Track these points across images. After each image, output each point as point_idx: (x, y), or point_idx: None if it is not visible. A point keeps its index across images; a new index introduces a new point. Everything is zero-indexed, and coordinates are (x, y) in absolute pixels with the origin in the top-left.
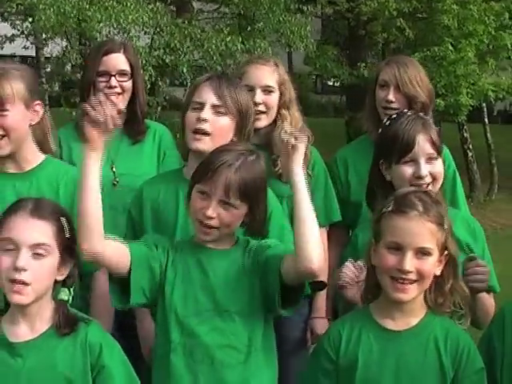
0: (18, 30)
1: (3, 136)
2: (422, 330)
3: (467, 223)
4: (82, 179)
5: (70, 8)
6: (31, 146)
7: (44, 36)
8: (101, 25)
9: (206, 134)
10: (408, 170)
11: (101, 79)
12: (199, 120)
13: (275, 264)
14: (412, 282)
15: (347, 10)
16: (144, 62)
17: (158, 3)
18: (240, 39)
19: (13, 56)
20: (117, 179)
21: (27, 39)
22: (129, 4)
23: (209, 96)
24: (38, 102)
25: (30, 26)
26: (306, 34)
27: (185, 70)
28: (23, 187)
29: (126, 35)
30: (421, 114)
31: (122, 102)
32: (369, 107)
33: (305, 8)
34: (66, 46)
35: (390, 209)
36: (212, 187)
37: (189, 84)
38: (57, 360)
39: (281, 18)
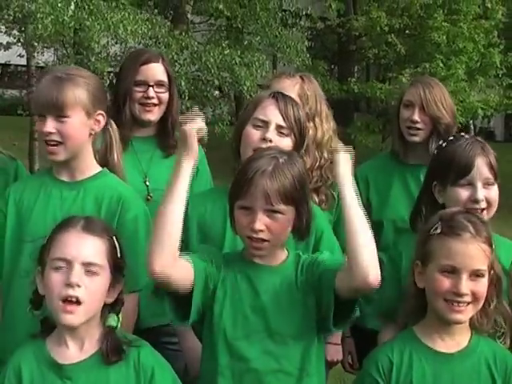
0: (14, 38)
1: (60, 143)
2: (472, 351)
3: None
4: (172, 187)
5: (69, 18)
6: (88, 157)
7: (40, 45)
8: (100, 35)
9: None
10: (464, 192)
11: (138, 89)
12: (264, 140)
13: (329, 280)
14: (467, 304)
15: (338, 25)
16: None
17: (155, 15)
18: (238, 52)
19: (7, 64)
20: (151, 194)
21: (23, 47)
22: (127, 15)
23: (275, 115)
24: (100, 111)
25: (24, 34)
26: (302, 48)
27: (183, 83)
28: (69, 197)
29: (123, 46)
30: (478, 137)
31: (157, 114)
32: (394, 127)
33: (301, 23)
34: (63, 55)
35: (439, 231)
36: (252, 199)
37: (186, 97)
38: (109, 382)
39: (277, 33)
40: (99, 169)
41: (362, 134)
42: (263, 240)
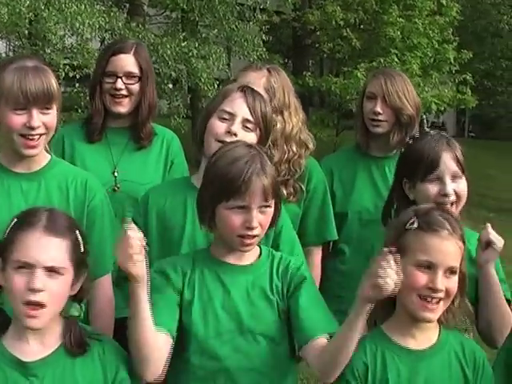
0: None
1: (42, 135)
2: (442, 346)
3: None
4: (135, 315)
5: (25, 9)
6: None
7: None
8: (56, 26)
9: None
10: (434, 187)
11: (107, 80)
12: (229, 133)
13: (301, 333)
14: (438, 300)
15: (293, 19)
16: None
17: (112, 7)
18: (196, 45)
19: None
20: (118, 185)
21: None
22: (84, 7)
23: (242, 109)
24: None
25: None
26: (259, 42)
27: None
28: (31, 189)
29: (79, 37)
30: (444, 133)
31: (128, 106)
32: (358, 119)
33: (259, 17)
34: (18, 46)
35: (415, 225)
36: (251, 198)
37: None
38: (77, 377)
39: (233, 26)
40: (49, 156)
41: (317, 128)
42: (254, 236)
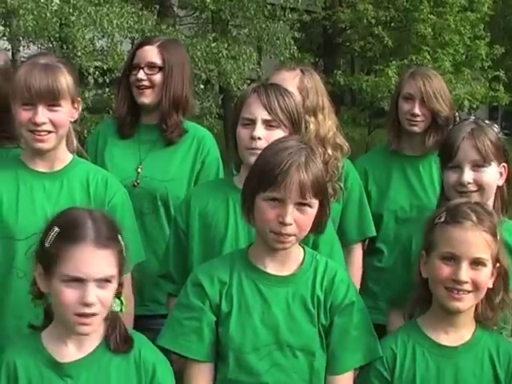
0: (0, 33)
1: (50, 131)
2: (476, 344)
3: None
4: None
5: (51, 14)
6: (64, 145)
7: (25, 39)
8: (85, 30)
9: (258, 149)
10: (453, 175)
11: (133, 72)
12: (253, 138)
13: (329, 363)
14: (467, 292)
15: (324, 17)
16: None
17: (142, 9)
18: (225, 45)
19: None
20: (138, 181)
21: (9, 42)
22: (112, 9)
23: (259, 111)
24: (78, 98)
25: (9, 29)
26: (290, 41)
27: None
28: (54, 188)
29: (109, 40)
30: (479, 120)
31: (151, 97)
32: (391, 118)
33: (290, 16)
34: (49, 49)
35: (442, 219)
36: (286, 192)
37: None
38: (110, 379)
39: (264, 25)
40: (71, 156)
41: (349, 126)
42: (289, 235)
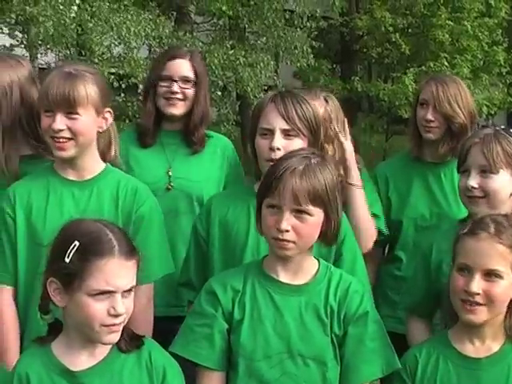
0: (18, 41)
1: (70, 139)
2: (502, 357)
3: None
4: None
5: (70, 20)
6: (94, 154)
7: (43, 46)
8: (102, 37)
9: None
10: (462, 180)
11: (163, 83)
12: (272, 149)
13: (344, 375)
14: (479, 305)
15: (341, 24)
16: (144, 74)
17: (159, 15)
18: (243, 53)
19: None
20: (171, 183)
21: (26, 49)
22: (130, 16)
23: (277, 121)
24: (108, 108)
25: (27, 36)
26: (308, 49)
27: None
28: (83, 197)
29: (126, 46)
30: (499, 128)
31: (181, 109)
32: (411, 125)
33: (306, 23)
34: (66, 56)
35: (465, 231)
36: (281, 197)
37: None
38: None
39: (282, 33)
40: (103, 165)
41: (366, 133)
42: (288, 241)
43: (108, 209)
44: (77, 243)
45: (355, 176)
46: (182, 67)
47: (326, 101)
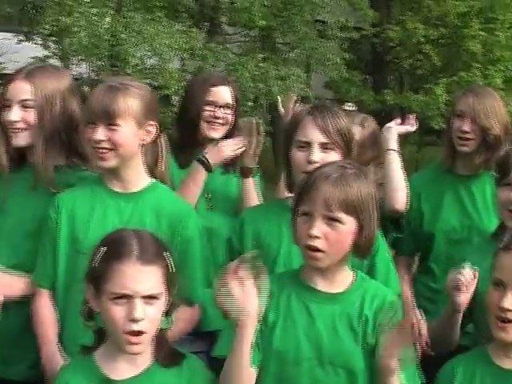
0: (52, 52)
1: (110, 150)
2: None
3: None
4: (237, 354)
5: (103, 31)
6: (138, 168)
7: (76, 57)
8: (135, 48)
9: None
10: (503, 193)
11: (208, 108)
12: (310, 162)
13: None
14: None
15: (374, 35)
16: (177, 86)
17: (191, 27)
18: (274, 66)
19: None
20: (212, 205)
21: (60, 60)
22: (162, 28)
23: (315, 135)
24: (152, 122)
25: (61, 47)
26: (340, 61)
27: None
28: (126, 209)
29: (159, 58)
30: None
31: (221, 132)
32: (445, 137)
33: (339, 34)
34: (99, 67)
35: (501, 245)
36: (312, 204)
37: None
38: None
39: (314, 45)
40: (149, 180)
41: (399, 145)
42: (318, 250)
43: (150, 223)
44: (103, 248)
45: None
46: (225, 94)
47: (363, 126)
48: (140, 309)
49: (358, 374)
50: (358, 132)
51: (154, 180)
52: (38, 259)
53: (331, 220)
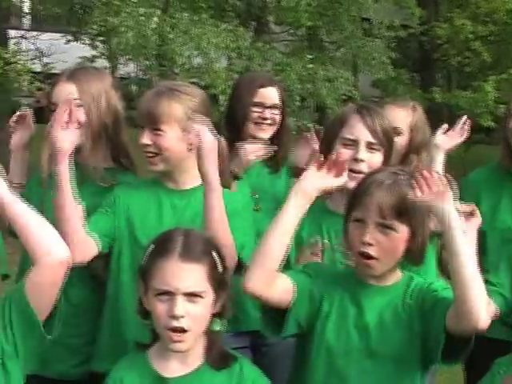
0: (100, 52)
1: (156, 154)
2: None
3: None
4: (281, 221)
5: (151, 31)
6: (191, 170)
7: (124, 57)
8: (182, 48)
9: (361, 173)
10: None
11: (255, 109)
12: (356, 160)
13: (441, 312)
14: None
15: (421, 32)
16: (223, 85)
17: (237, 26)
18: (322, 67)
19: None
20: (259, 205)
21: (109, 61)
22: (209, 27)
23: (363, 133)
24: None
25: (108, 47)
26: (387, 60)
27: None
28: (180, 205)
29: (205, 57)
30: None
31: (269, 133)
32: (502, 136)
33: (385, 33)
34: (147, 67)
35: None
36: (365, 210)
37: None
38: None
39: (360, 44)
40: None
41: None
42: (371, 257)
43: (203, 221)
44: (152, 246)
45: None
46: (272, 95)
47: (414, 111)
48: (181, 306)
49: (406, 363)
50: (410, 116)
51: None
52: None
53: (384, 227)
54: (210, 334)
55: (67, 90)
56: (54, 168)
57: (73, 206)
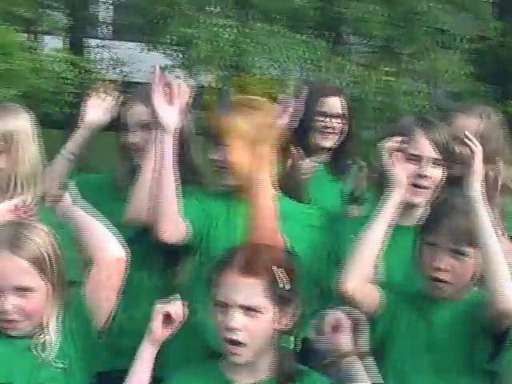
0: (176, 62)
1: (225, 168)
2: None
3: None
4: (378, 218)
5: (225, 42)
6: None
7: (201, 67)
8: (258, 59)
9: (426, 189)
10: None
11: (320, 118)
12: (421, 176)
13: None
14: None
15: (501, 44)
16: None
17: (313, 37)
18: (400, 78)
19: None
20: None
21: (186, 70)
22: (284, 39)
23: (427, 149)
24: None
25: (185, 57)
26: (465, 72)
27: None
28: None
29: (281, 69)
30: None
31: (333, 141)
32: None
33: (463, 46)
34: (223, 77)
35: None
36: (440, 236)
37: None
38: None
39: (435, 56)
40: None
41: None
42: (444, 281)
43: None
44: (219, 258)
45: None
46: (336, 104)
47: (482, 118)
48: (236, 318)
49: (474, 372)
50: (475, 124)
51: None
52: None
53: (457, 253)
54: (278, 350)
55: (141, 112)
56: (159, 145)
57: (172, 186)
